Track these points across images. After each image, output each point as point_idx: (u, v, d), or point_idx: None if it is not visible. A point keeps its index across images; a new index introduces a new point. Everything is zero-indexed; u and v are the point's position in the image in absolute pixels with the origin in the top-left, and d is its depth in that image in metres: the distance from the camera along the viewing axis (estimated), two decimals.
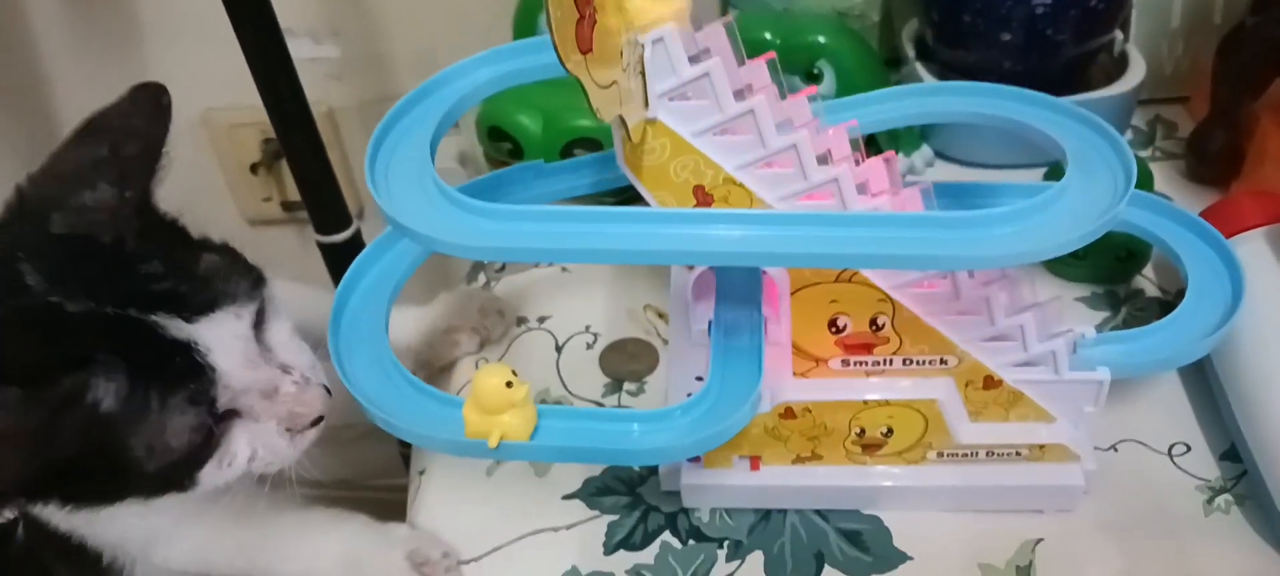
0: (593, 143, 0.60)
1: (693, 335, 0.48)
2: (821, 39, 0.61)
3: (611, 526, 0.48)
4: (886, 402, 0.43)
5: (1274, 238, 0.49)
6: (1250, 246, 0.49)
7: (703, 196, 0.39)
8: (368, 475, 1.15)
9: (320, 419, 0.41)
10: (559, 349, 0.57)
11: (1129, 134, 0.68)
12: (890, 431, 0.44)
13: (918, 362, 0.43)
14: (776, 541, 0.46)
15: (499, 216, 0.36)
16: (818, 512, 0.47)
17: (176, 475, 0.38)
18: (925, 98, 0.46)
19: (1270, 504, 0.44)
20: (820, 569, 0.45)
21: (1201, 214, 0.49)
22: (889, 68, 0.68)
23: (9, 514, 0.38)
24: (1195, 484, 0.47)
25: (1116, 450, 0.48)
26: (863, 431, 0.45)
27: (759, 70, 0.39)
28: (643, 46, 0.35)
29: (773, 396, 0.43)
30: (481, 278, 0.63)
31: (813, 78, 0.62)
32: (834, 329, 0.42)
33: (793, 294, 0.41)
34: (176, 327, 0.37)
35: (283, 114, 0.69)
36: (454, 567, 0.46)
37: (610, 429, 0.41)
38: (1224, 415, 0.48)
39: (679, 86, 0.37)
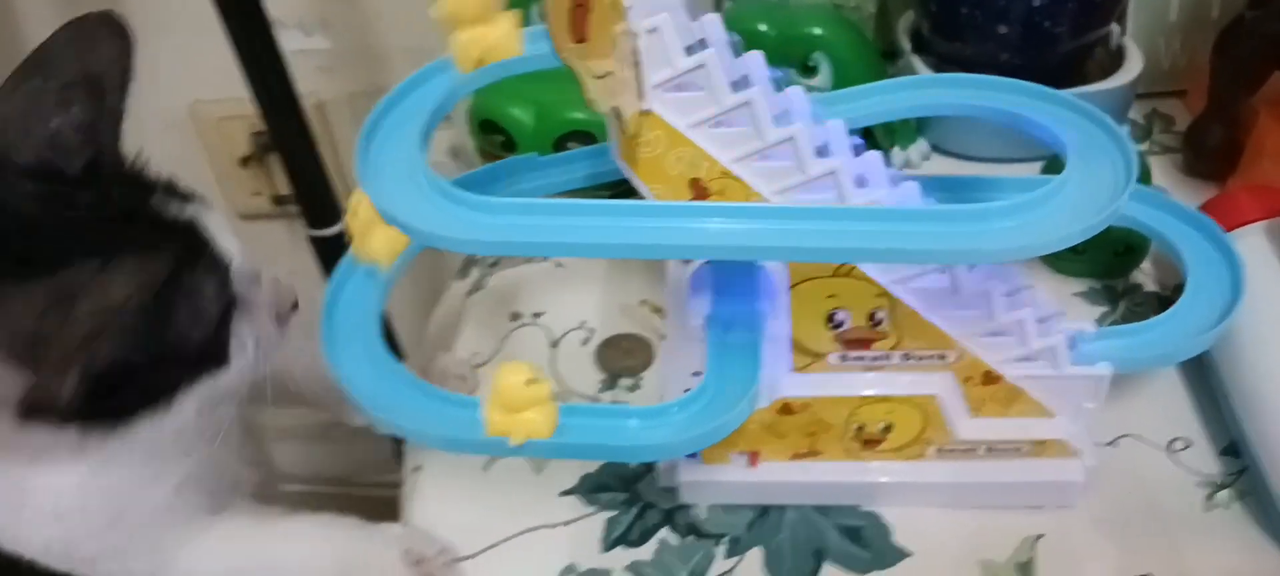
0: (586, 136, 0.60)
1: (690, 330, 0.47)
2: (817, 31, 0.61)
3: (609, 522, 0.47)
4: (885, 398, 0.43)
5: (1273, 231, 0.49)
6: (1249, 241, 0.49)
7: (699, 190, 0.39)
8: (360, 472, 1.15)
9: (296, 304, 0.44)
10: (554, 345, 0.57)
11: (1126, 128, 0.67)
12: (889, 427, 0.44)
13: (917, 358, 0.42)
14: (775, 537, 0.46)
15: (493, 210, 0.36)
16: (817, 508, 0.47)
17: (212, 348, 0.40)
18: (923, 90, 0.46)
19: (1270, 499, 0.43)
20: (819, 565, 0.45)
21: (1200, 208, 0.48)
22: (885, 60, 0.67)
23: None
24: (1195, 479, 0.46)
25: (1116, 446, 0.48)
26: (861, 427, 0.44)
27: (756, 62, 0.39)
28: (637, 36, 0.35)
29: (771, 392, 0.43)
30: (474, 273, 0.62)
31: (808, 70, 0.62)
32: (832, 324, 0.42)
33: (791, 288, 0.41)
34: (177, 209, 0.39)
35: (273, 106, 0.68)
36: (450, 564, 0.45)
37: (607, 424, 0.41)
38: (1224, 410, 0.47)
39: (674, 77, 0.36)
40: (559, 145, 0.60)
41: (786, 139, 0.36)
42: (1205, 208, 0.49)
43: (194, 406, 0.41)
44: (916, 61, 0.65)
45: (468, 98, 0.62)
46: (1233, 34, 0.59)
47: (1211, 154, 0.60)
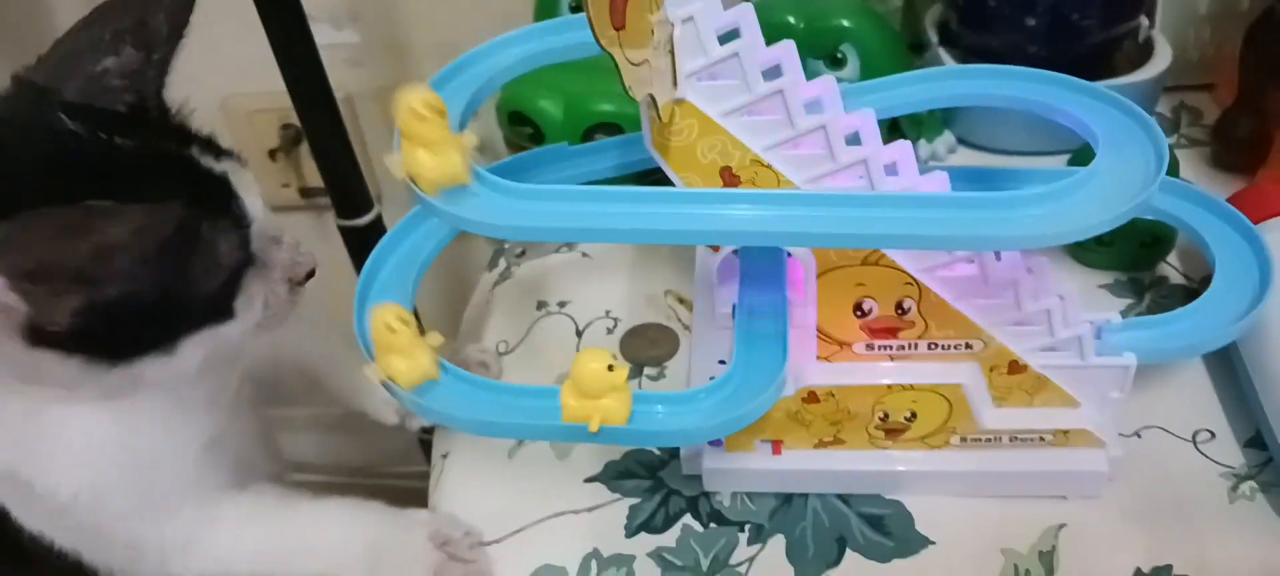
0: (614, 127, 0.60)
1: (717, 318, 0.48)
2: (845, 22, 0.61)
3: (633, 509, 0.48)
4: (911, 387, 0.43)
5: None
6: (1277, 233, 0.48)
7: (730, 178, 0.39)
8: (381, 463, 1.16)
9: (313, 272, 0.44)
10: (579, 333, 0.57)
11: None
12: (914, 416, 0.44)
13: (943, 347, 0.43)
14: (798, 525, 0.46)
15: (527, 196, 0.36)
16: (840, 497, 0.47)
17: (221, 300, 0.41)
18: (954, 81, 0.46)
19: None
20: (842, 553, 0.45)
21: (1228, 200, 0.48)
22: (912, 53, 0.67)
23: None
24: (1219, 471, 0.46)
25: (1140, 437, 0.48)
26: (886, 416, 0.44)
27: (788, 51, 0.39)
28: (673, 25, 0.35)
29: (796, 380, 0.43)
30: (502, 263, 0.63)
31: (836, 62, 0.62)
32: (859, 313, 0.42)
33: (819, 277, 0.41)
34: (210, 162, 0.40)
35: (306, 98, 0.69)
36: (476, 546, 0.46)
37: (634, 410, 0.41)
38: (1249, 402, 0.47)
39: (708, 66, 0.36)
40: (587, 137, 0.61)
41: (818, 127, 0.37)
42: (1234, 199, 0.49)
43: (197, 355, 0.41)
44: (944, 54, 0.65)
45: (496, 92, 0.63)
46: (1263, 26, 0.58)
47: (1240, 146, 0.60)
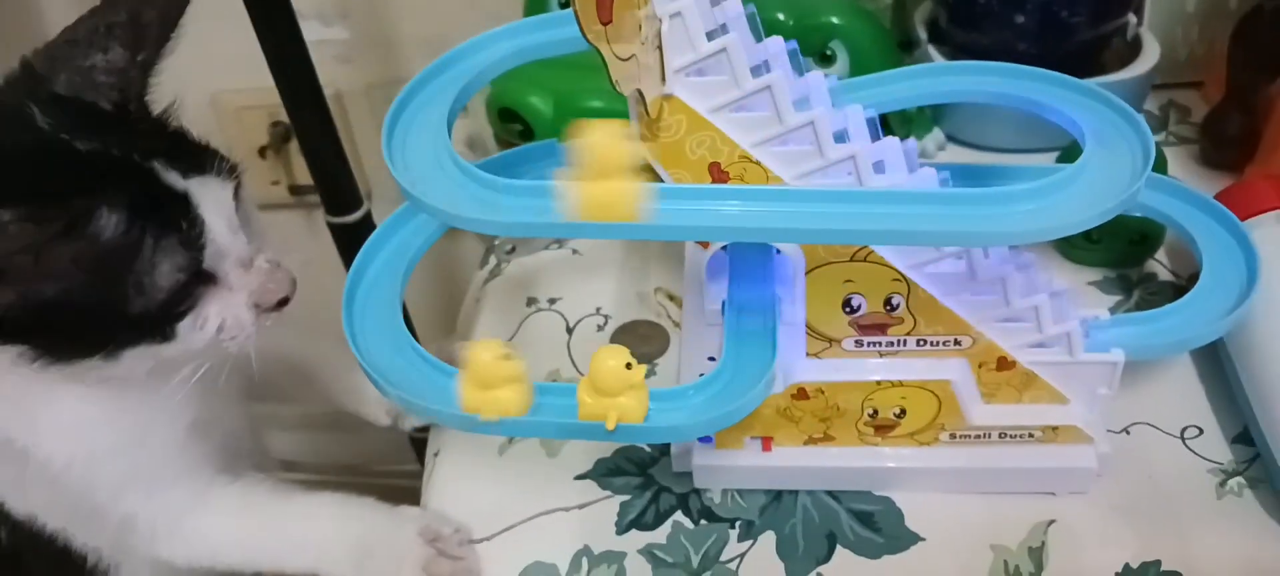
0: None
1: (706, 315, 0.48)
2: (835, 20, 0.61)
3: (623, 506, 0.48)
4: (900, 383, 0.43)
5: None
6: (1265, 229, 0.49)
7: (719, 174, 0.39)
8: (372, 461, 1.15)
9: (286, 300, 0.43)
10: (570, 330, 0.57)
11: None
12: (903, 412, 0.44)
13: (932, 343, 0.43)
14: (788, 522, 0.46)
15: (516, 192, 0.36)
16: (830, 493, 0.47)
17: (158, 320, 0.39)
18: (943, 77, 0.46)
19: None
20: (832, 549, 0.45)
21: (1216, 197, 0.49)
22: (901, 51, 0.67)
23: None
24: (1207, 467, 0.47)
25: (1129, 433, 0.48)
26: (876, 412, 0.44)
27: (776, 47, 0.39)
28: (660, 21, 0.35)
29: (786, 377, 0.43)
30: (492, 260, 0.63)
31: (826, 59, 0.62)
32: (848, 309, 0.42)
33: (807, 273, 0.41)
34: (173, 178, 0.39)
35: (294, 93, 0.69)
36: (465, 543, 0.46)
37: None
38: (1237, 398, 0.48)
39: (696, 61, 0.36)
40: None
41: (806, 123, 0.37)
42: (1221, 196, 0.49)
43: (141, 366, 0.41)
44: (933, 51, 0.65)
45: (485, 87, 0.63)
46: (1251, 23, 0.59)
47: (1229, 143, 0.60)
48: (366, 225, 0.79)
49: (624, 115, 0.45)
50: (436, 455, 0.52)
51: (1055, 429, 0.44)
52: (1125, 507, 0.45)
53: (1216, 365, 0.50)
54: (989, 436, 0.45)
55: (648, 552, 0.46)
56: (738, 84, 0.37)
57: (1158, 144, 0.62)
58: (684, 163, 0.39)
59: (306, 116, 0.71)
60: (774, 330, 0.43)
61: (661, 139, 0.39)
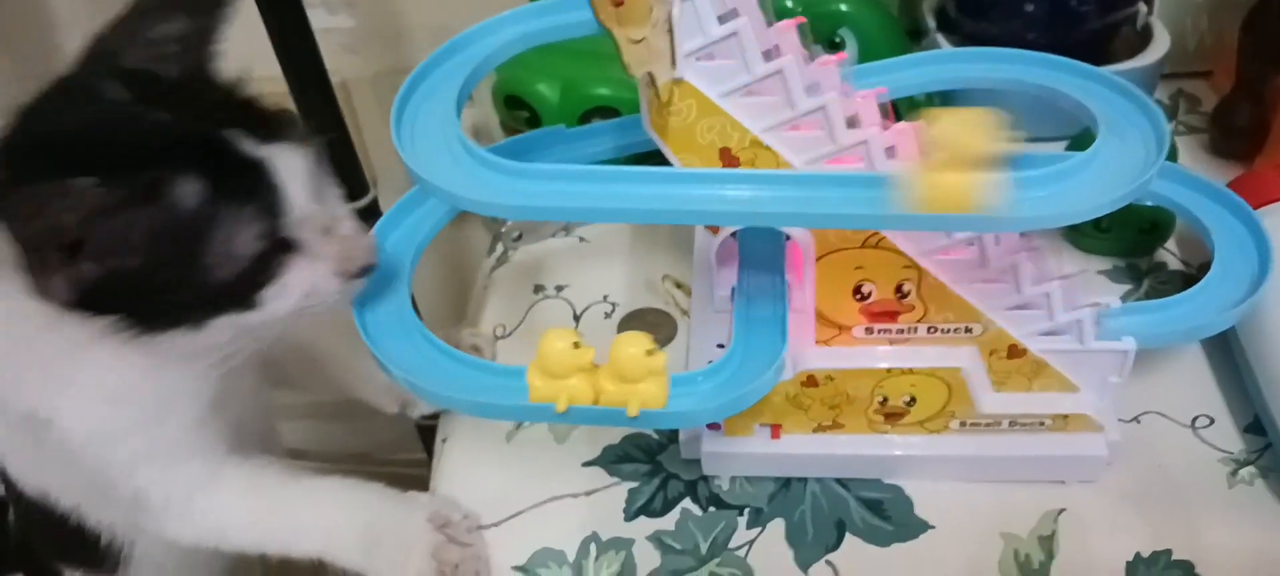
0: (611, 111, 0.60)
1: (715, 302, 0.48)
2: (843, 7, 0.61)
3: (631, 493, 0.48)
4: (910, 371, 0.43)
5: None
6: (1276, 219, 0.48)
7: (729, 159, 0.39)
8: (378, 450, 1.15)
9: (370, 268, 0.42)
10: (577, 317, 0.57)
11: None
12: (913, 400, 0.44)
13: (942, 331, 0.43)
14: (797, 509, 0.46)
15: (526, 175, 0.36)
16: (839, 481, 0.47)
17: (240, 289, 0.39)
18: (955, 63, 0.46)
19: None
20: (841, 537, 0.45)
21: (1227, 185, 0.48)
22: (910, 39, 0.67)
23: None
24: (1218, 456, 0.46)
25: (1139, 422, 0.48)
26: (885, 400, 0.44)
27: (787, 32, 0.39)
28: (672, 4, 0.35)
29: (795, 364, 0.43)
30: (499, 247, 0.63)
31: (835, 46, 0.62)
32: (858, 296, 0.42)
33: (817, 260, 0.41)
34: (250, 146, 0.39)
35: (301, 81, 0.69)
36: (474, 529, 0.46)
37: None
38: (1248, 387, 0.47)
39: (707, 45, 0.36)
40: (583, 121, 0.60)
41: (818, 108, 0.36)
42: (1233, 185, 0.49)
43: (226, 336, 0.41)
44: (942, 40, 0.65)
45: (492, 74, 0.63)
46: (1261, 12, 0.58)
47: (1239, 132, 0.60)
48: (374, 211, 0.79)
49: (631, 103, 0.45)
50: (444, 442, 0.52)
51: (1065, 417, 0.44)
52: (1136, 496, 0.45)
53: (1228, 354, 0.50)
54: (999, 424, 0.45)
55: (656, 539, 0.45)
56: (748, 69, 0.36)
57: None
58: (694, 148, 0.39)
59: (313, 104, 0.70)
60: (784, 317, 0.43)
61: (672, 124, 0.38)
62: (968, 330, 0.42)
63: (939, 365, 0.43)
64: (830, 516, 0.46)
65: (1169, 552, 0.43)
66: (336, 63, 0.85)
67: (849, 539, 0.45)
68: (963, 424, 0.45)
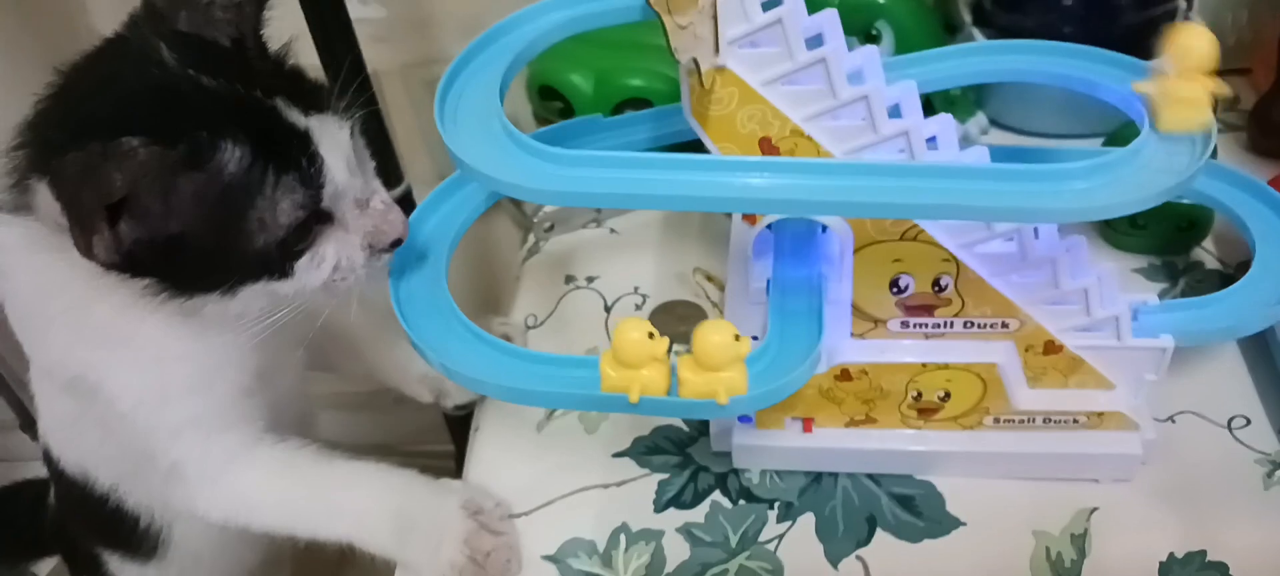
0: (644, 103, 0.60)
1: (750, 293, 0.48)
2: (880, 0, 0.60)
3: (661, 485, 0.48)
4: (945, 366, 0.43)
5: None
6: None
7: (769, 148, 0.39)
8: (408, 441, 1.16)
9: (399, 242, 0.43)
10: (608, 309, 0.57)
11: None
12: (947, 395, 0.44)
13: (979, 325, 0.42)
14: (828, 504, 0.46)
15: (567, 162, 0.36)
16: (870, 476, 0.47)
17: (277, 258, 0.40)
18: (994, 56, 0.45)
19: None
20: (872, 532, 0.45)
21: (1269, 182, 0.48)
22: (945, 33, 0.67)
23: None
24: (1254, 457, 0.46)
25: (1175, 421, 0.48)
26: (919, 395, 0.44)
27: (830, 21, 0.39)
28: None
29: (830, 357, 0.43)
30: (531, 239, 0.63)
31: (871, 38, 0.61)
32: (895, 289, 0.42)
33: (855, 252, 0.41)
34: (295, 116, 0.39)
35: (337, 65, 0.69)
36: (506, 517, 0.46)
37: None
38: None
39: (750, 33, 0.36)
40: (617, 112, 0.61)
41: (860, 98, 0.36)
42: (1275, 182, 0.48)
43: (257, 304, 0.41)
44: (977, 33, 0.64)
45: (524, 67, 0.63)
46: None
47: (1277, 130, 0.59)
48: (407, 201, 0.79)
49: (664, 94, 0.45)
50: (477, 431, 0.52)
51: (1100, 415, 0.44)
52: (1170, 496, 0.44)
53: (1265, 354, 0.49)
54: (1033, 421, 0.44)
55: (686, 531, 0.46)
56: (791, 56, 0.36)
57: None
58: (734, 137, 0.39)
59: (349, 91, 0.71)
60: (820, 309, 0.42)
61: (713, 112, 0.38)
62: (1005, 325, 0.42)
63: (975, 360, 0.43)
64: (861, 511, 0.45)
65: (1203, 553, 0.42)
66: (367, 53, 0.85)
67: (880, 534, 0.45)
68: (997, 420, 0.45)
